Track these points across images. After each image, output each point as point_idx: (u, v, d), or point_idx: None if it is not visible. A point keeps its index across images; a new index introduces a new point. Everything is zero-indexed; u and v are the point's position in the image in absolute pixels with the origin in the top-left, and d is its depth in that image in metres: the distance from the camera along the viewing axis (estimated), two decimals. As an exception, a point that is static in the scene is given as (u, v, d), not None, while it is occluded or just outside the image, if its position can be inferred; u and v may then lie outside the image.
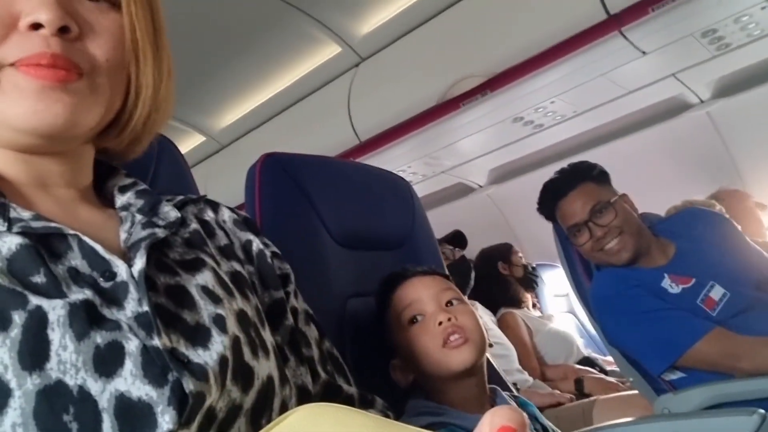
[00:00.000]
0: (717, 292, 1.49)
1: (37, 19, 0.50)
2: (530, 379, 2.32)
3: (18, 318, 0.43)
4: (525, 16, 2.16)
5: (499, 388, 1.08)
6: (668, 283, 1.54)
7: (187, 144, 3.43)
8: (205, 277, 0.57)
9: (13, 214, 0.50)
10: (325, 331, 0.73)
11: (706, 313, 1.47)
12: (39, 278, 0.47)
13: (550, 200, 1.70)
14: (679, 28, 2.00)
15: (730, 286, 1.48)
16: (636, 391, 1.75)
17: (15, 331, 0.43)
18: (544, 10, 2.11)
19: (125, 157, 0.65)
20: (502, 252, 2.90)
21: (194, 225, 0.64)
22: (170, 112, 0.63)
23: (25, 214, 0.50)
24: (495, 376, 1.21)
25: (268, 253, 0.69)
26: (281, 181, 1.05)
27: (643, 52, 2.12)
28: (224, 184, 2.24)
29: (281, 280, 0.69)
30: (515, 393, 1.20)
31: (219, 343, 0.52)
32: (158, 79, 0.59)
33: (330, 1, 2.48)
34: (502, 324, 2.58)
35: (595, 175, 1.65)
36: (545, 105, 2.47)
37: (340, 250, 1.11)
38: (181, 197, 0.68)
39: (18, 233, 0.48)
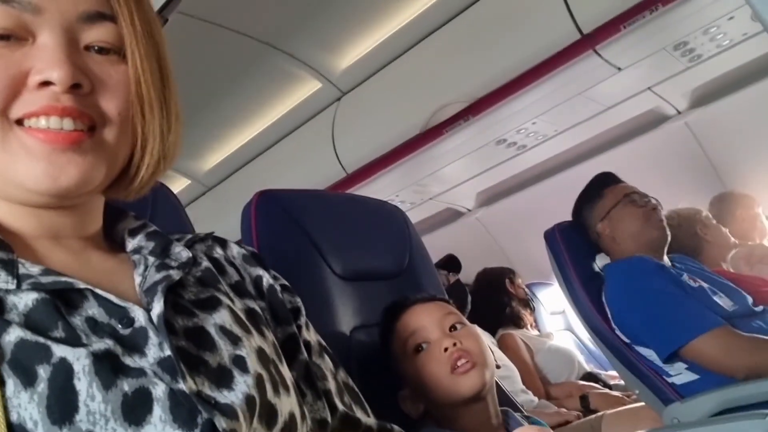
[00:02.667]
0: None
1: (48, 77, 0.49)
2: (535, 399, 2.31)
3: (43, 372, 0.43)
4: (502, 41, 2.20)
5: (510, 410, 1.07)
6: (686, 279, 1.60)
7: (173, 188, 3.40)
8: (222, 316, 0.57)
9: (22, 270, 0.49)
10: (339, 362, 0.73)
11: (721, 310, 1.51)
12: (58, 332, 0.46)
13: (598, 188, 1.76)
14: (651, 43, 2.06)
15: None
16: (643, 403, 1.75)
17: (42, 386, 0.43)
18: (519, 34, 2.16)
19: (124, 199, 0.64)
20: (507, 272, 2.91)
21: (205, 263, 0.64)
22: (177, 156, 0.62)
23: (34, 270, 0.50)
24: (504, 398, 1.20)
25: (278, 287, 0.69)
26: (277, 217, 1.06)
27: (619, 68, 2.17)
28: (212, 226, 2.21)
29: (292, 313, 0.69)
30: (525, 413, 1.19)
31: (243, 383, 0.52)
32: (166, 128, 0.58)
33: (308, 39, 2.51)
34: (501, 345, 2.57)
35: None
36: (527, 126, 2.51)
37: (341, 283, 1.11)
38: (189, 236, 0.67)
39: (33, 289, 0.48)
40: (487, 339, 2.51)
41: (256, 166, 3.11)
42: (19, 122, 0.50)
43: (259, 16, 2.38)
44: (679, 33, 2.02)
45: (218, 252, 0.68)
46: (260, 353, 0.57)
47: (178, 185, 3.43)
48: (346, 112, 2.68)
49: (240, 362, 0.54)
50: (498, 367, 1.09)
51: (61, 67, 0.49)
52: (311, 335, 0.71)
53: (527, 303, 2.83)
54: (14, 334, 0.45)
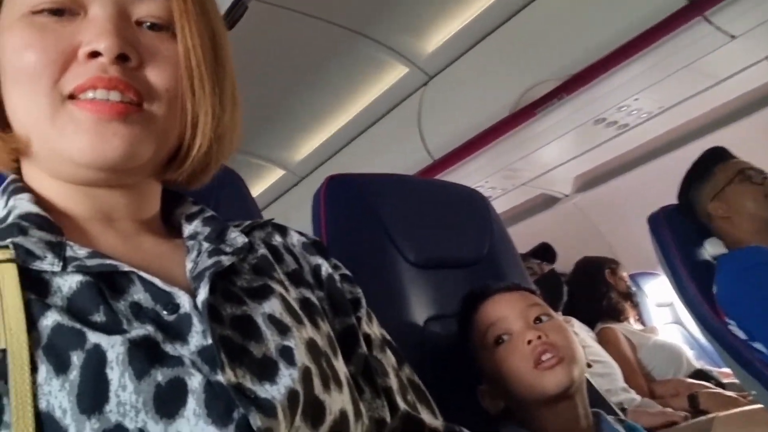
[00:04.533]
0: None
1: (95, 47, 0.49)
2: (637, 397, 2.15)
3: (77, 359, 0.42)
4: (597, 12, 2.06)
5: (602, 412, 0.97)
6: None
7: (268, 179, 3.50)
8: (273, 305, 0.54)
9: (69, 252, 0.49)
10: (404, 358, 0.68)
11: None
12: (99, 316, 0.45)
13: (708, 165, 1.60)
14: (771, 5, 1.83)
15: None
16: (760, 405, 1.57)
17: (74, 374, 0.42)
18: (617, 2, 2.00)
19: (188, 187, 0.63)
20: (608, 261, 2.74)
21: (262, 250, 0.61)
22: (236, 142, 0.61)
23: (81, 252, 0.49)
24: (597, 399, 1.10)
25: (337, 276, 0.65)
26: (347, 202, 1.02)
27: (732, 36, 1.95)
28: (305, 216, 2.24)
29: (352, 304, 0.65)
30: (621, 416, 1.09)
31: (287, 377, 0.48)
32: (219, 109, 0.56)
33: (394, 24, 2.47)
34: (601, 340, 2.42)
35: None
36: (628, 103, 2.32)
37: (414, 271, 1.05)
38: (248, 222, 0.65)
39: (78, 271, 0.47)
40: (584, 333, 2.37)
41: (344, 154, 3.12)
42: (71, 98, 0.50)
43: (345, 3, 2.37)
44: (805, -8, 1.79)
45: (277, 239, 0.65)
46: (311, 345, 0.53)
47: (272, 176, 3.51)
48: (433, 97, 2.62)
49: (287, 353, 0.50)
50: (589, 365, 0.99)
51: (108, 37, 0.49)
52: (373, 328, 0.67)
53: (629, 295, 2.65)
54: (51, 318, 0.44)
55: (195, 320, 0.48)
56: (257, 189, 3.52)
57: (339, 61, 2.64)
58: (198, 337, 0.47)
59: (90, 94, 0.49)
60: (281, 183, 3.53)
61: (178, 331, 0.47)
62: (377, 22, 2.46)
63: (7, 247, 0.48)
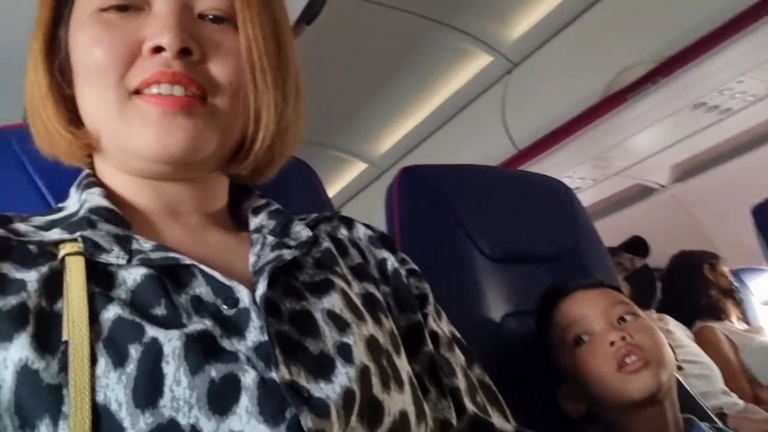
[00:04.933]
0: None
1: (158, 42, 0.50)
2: (740, 402, 2.00)
3: (134, 352, 0.42)
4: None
5: (695, 418, 0.90)
6: None
7: (351, 172, 3.53)
8: (333, 300, 0.53)
9: (135, 246, 0.50)
10: (475, 357, 0.65)
11: None
12: (159, 310, 0.46)
13: None
14: None
15: None
16: None
17: (131, 367, 0.42)
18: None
19: (254, 181, 0.64)
20: (707, 256, 2.57)
21: (326, 243, 0.60)
22: (300, 134, 0.61)
23: (147, 245, 0.50)
24: (690, 403, 1.03)
25: (403, 271, 0.63)
26: (421, 194, 1.00)
27: None
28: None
29: (418, 300, 0.63)
30: (718, 423, 1.01)
31: (344, 375, 0.47)
32: (282, 102, 0.56)
33: (477, 12, 2.41)
34: (699, 339, 2.26)
35: None
36: (731, 86, 2.15)
37: (491, 265, 1.01)
38: (314, 215, 0.64)
39: (142, 264, 0.48)
40: (680, 332, 2.23)
41: (427, 147, 3.09)
42: (137, 93, 0.51)
43: (427, -8, 2.34)
44: None
45: (343, 233, 0.64)
46: (371, 342, 0.51)
47: (355, 170, 3.53)
48: (518, 85, 2.54)
49: (345, 351, 0.49)
50: (680, 368, 0.92)
51: (170, 31, 0.50)
52: (441, 325, 0.64)
53: (730, 292, 2.45)
54: (113, 311, 0.45)
55: (253, 315, 0.47)
56: (340, 183, 3.56)
57: (421, 52, 2.61)
58: (255, 333, 0.46)
59: (155, 89, 0.50)
60: (364, 176, 3.55)
61: (236, 326, 0.47)
62: (460, 12, 2.41)
63: (76, 240, 0.49)
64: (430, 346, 0.60)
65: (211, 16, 0.53)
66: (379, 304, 0.58)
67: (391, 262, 0.63)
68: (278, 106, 0.55)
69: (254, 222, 0.60)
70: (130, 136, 0.51)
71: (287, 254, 0.54)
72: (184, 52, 0.50)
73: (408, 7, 2.38)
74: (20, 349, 0.42)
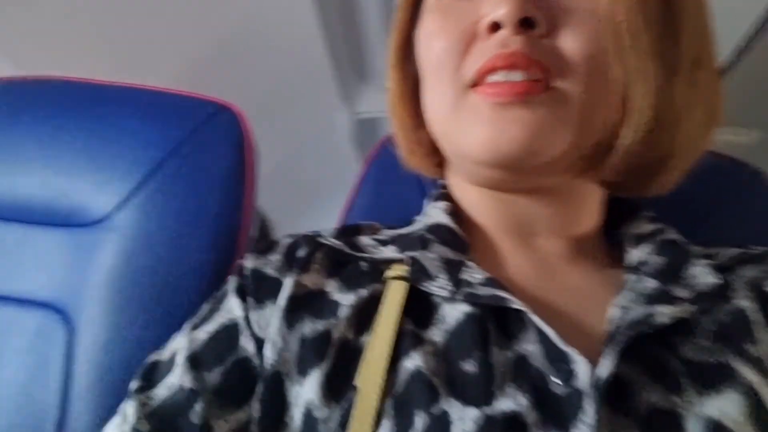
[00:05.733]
0: None
1: (494, 17, 0.39)
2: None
3: (418, 422, 0.35)
4: None
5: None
6: None
7: None
8: (725, 405, 0.35)
9: (464, 275, 0.41)
10: None
11: None
12: (470, 365, 0.37)
13: None
14: None
15: None
16: None
17: None
18: None
19: (640, 194, 0.47)
20: None
21: (743, 302, 0.41)
22: (711, 124, 0.43)
23: (478, 276, 0.41)
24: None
25: None
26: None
27: None
28: None
29: None
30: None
31: None
32: (664, 81, 0.39)
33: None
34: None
35: None
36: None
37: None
38: (734, 250, 0.46)
39: (466, 300, 0.40)
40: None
41: None
42: (474, 86, 0.41)
43: None
44: None
45: None
46: None
47: None
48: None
49: None
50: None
51: (507, 1, 0.38)
52: None
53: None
54: (416, 360, 0.37)
55: (586, 404, 0.34)
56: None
57: None
58: (586, 430, 0.33)
59: (490, 78, 0.39)
60: None
61: (559, 412, 0.35)
62: None
63: (403, 261, 0.44)
64: None
65: None
66: None
67: None
68: (656, 87, 0.39)
69: (632, 255, 0.45)
70: (461, 136, 0.41)
71: (664, 314, 0.38)
72: (526, 24, 0.38)
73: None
74: (310, 389, 0.38)
